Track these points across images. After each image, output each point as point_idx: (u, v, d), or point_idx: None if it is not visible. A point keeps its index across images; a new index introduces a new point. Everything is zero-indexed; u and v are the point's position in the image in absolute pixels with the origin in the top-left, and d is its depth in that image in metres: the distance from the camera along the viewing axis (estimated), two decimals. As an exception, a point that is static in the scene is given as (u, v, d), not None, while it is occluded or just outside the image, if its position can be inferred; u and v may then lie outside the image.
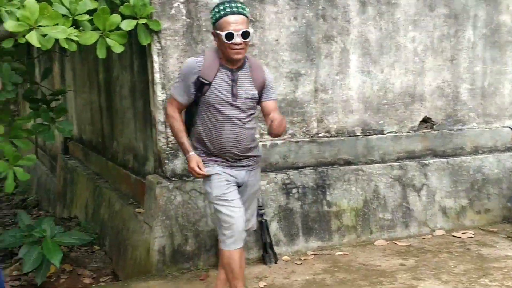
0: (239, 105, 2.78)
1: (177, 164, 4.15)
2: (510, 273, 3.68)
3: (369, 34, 4.71)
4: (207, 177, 2.90)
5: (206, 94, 2.77)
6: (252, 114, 2.87)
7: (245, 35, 2.64)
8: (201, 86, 2.77)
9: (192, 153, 2.97)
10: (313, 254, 4.26)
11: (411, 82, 4.87)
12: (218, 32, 2.66)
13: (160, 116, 4.12)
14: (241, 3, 2.73)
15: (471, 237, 4.63)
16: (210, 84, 2.74)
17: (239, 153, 2.86)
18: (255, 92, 2.81)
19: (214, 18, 2.69)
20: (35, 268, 4.35)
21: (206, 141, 2.88)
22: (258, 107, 2.98)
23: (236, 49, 2.65)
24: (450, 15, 4.99)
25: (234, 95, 2.76)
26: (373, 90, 4.76)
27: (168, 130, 4.10)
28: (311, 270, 3.93)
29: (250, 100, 2.81)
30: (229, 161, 2.89)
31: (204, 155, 2.92)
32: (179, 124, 2.96)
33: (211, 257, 4.08)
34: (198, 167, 2.92)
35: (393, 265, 3.96)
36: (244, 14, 2.68)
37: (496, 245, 4.34)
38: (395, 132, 4.89)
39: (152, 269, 3.97)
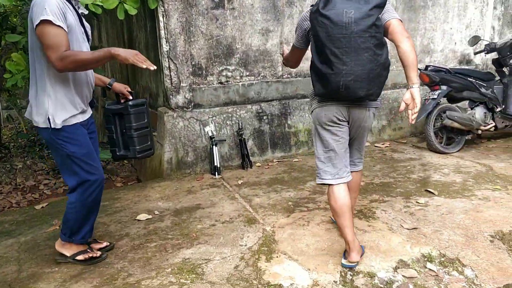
0: None
1: (179, 99, 4.33)
2: (411, 169, 4.05)
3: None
4: None
5: None
6: None
7: None
8: None
9: None
10: (277, 161, 4.58)
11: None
12: None
13: (165, 63, 4.21)
14: None
15: (387, 146, 5.03)
16: None
17: None
18: None
19: None
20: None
21: None
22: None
23: None
24: (378, -15, 5.18)
25: None
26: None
27: (172, 73, 4.26)
28: (275, 171, 4.24)
29: None
30: None
31: None
32: None
33: (205, 165, 4.35)
34: None
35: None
36: None
37: (404, 151, 4.75)
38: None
39: (163, 174, 4.24)
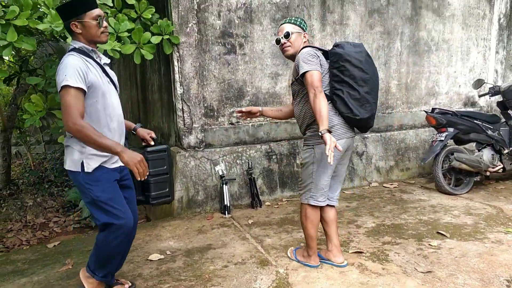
0: (292, 90, 2.79)
1: (191, 139, 4.38)
2: (422, 211, 4.03)
3: (327, 45, 4.80)
4: None
5: None
6: (296, 96, 2.75)
7: (286, 35, 2.68)
8: None
9: None
10: (286, 200, 4.55)
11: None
12: None
13: (179, 105, 4.29)
14: (293, 18, 2.75)
15: (396, 187, 4.99)
16: None
17: (300, 130, 2.83)
18: (292, 78, 2.73)
19: None
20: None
21: None
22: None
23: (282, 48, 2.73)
24: (384, 32, 5.19)
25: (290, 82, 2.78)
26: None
27: (185, 115, 4.36)
28: (285, 211, 4.21)
29: (293, 84, 2.74)
30: None
31: None
32: None
33: (215, 204, 4.33)
34: None
35: (341, 207, 4.24)
36: (289, 22, 2.72)
37: (413, 192, 4.72)
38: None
39: (173, 213, 4.22)
